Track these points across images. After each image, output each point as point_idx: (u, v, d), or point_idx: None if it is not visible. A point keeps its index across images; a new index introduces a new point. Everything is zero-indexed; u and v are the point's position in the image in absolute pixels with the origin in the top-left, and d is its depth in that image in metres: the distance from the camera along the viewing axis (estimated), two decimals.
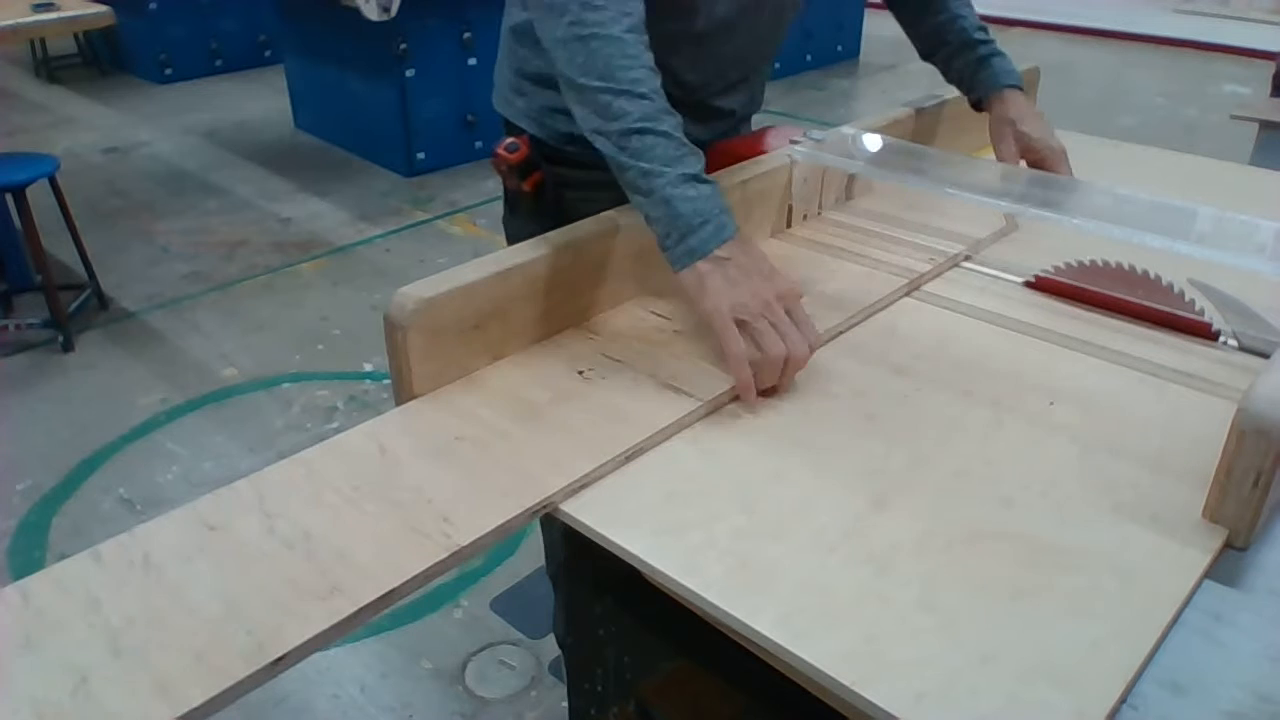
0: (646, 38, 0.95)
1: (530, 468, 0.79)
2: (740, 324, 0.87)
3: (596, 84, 0.91)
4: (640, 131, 0.90)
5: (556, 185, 1.23)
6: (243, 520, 0.73)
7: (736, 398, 0.89)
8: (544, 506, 0.76)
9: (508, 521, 0.73)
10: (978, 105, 1.33)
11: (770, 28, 1.23)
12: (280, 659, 0.61)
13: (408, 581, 0.68)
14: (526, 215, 1.24)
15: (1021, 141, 1.25)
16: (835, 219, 1.26)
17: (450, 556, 0.70)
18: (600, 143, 0.93)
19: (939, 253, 1.16)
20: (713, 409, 0.88)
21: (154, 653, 0.61)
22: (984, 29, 1.31)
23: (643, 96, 0.91)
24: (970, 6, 1.32)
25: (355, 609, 0.65)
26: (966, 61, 1.31)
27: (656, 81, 0.93)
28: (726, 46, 1.19)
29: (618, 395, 0.89)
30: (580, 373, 0.92)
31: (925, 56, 1.36)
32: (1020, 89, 1.28)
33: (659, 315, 1.02)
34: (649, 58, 0.94)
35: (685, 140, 0.92)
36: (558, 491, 0.76)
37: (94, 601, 0.65)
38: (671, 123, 0.92)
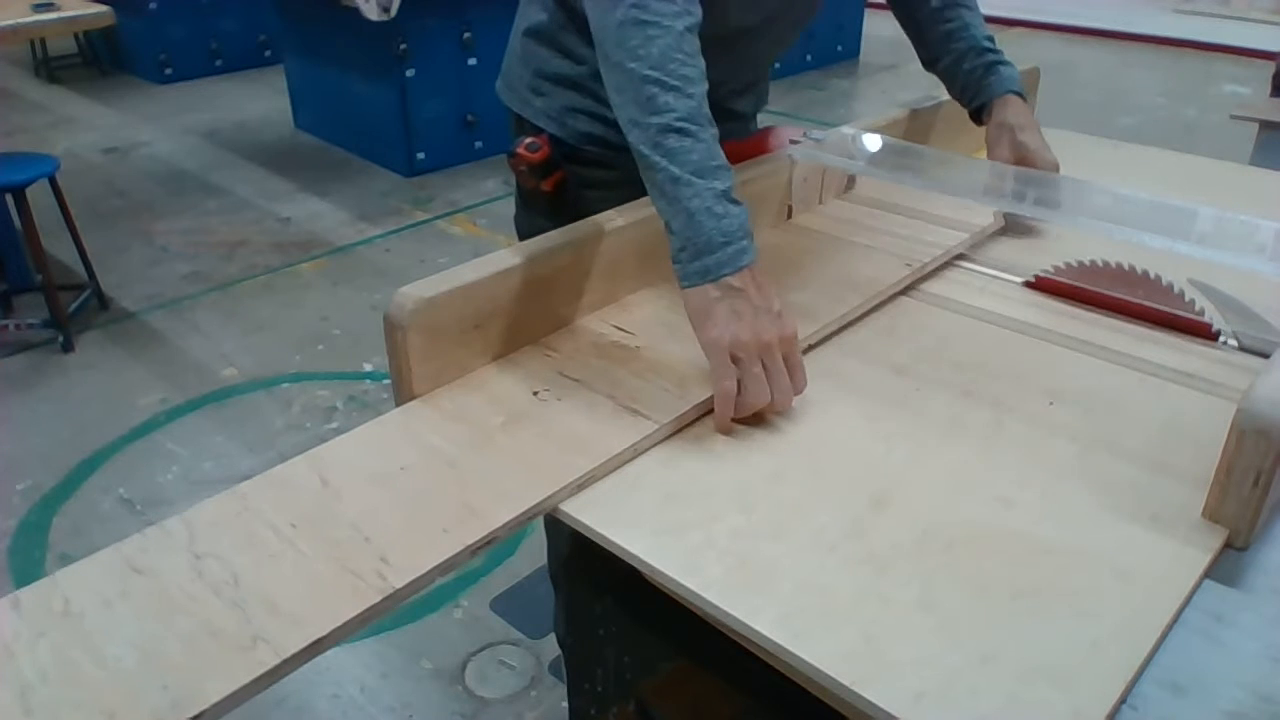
0: (699, 43, 0.92)
1: (475, 500, 0.76)
2: (735, 359, 0.84)
3: (647, 72, 0.88)
4: (679, 131, 0.87)
5: (577, 185, 1.23)
6: (170, 562, 0.69)
7: (703, 416, 0.87)
8: (487, 542, 0.73)
9: (447, 560, 0.70)
10: (977, 114, 1.31)
11: (791, 31, 1.25)
12: (196, 717, 0.58)
13: (338, 629, 0.64)
14: (543, 214, 1.24)
15: (1018, 151, 1.24)
16: (835, 216, 1.26)
17: (384, 600, 0.67)
18: (634, 135, 0.89)
19: (938, 245, 1.15)
20: (672, 431, 0.85)
21: (65, 712, 0.58)
22: (991, 39, 1.30)
23: (689, 96, 0.88)
24: (980, 17, 1.32)
25: (279, 660, 0.61)
26: (973, 67, 1.29)
27: (705, 87, 0.90)
28: (751, 49, 1.21)
29: (573, 418, 0.85)
30: (535, 393, 0.89)
31: (929, 64, 1.35)
32: (1024, 97, 1.28)
33: (621, 329, 0.99)
34: (702, 63, 0.91)
35: (721, 153, 0.89)
36: (502, 526, 0.73)
37: (8, 653, 0.62)
38: (712, 133, 0.89)
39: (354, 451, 0.83)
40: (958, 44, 1.30)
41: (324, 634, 0.64)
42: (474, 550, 0.72)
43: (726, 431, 0.86)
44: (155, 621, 0.65)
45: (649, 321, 1.00)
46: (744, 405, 0.85)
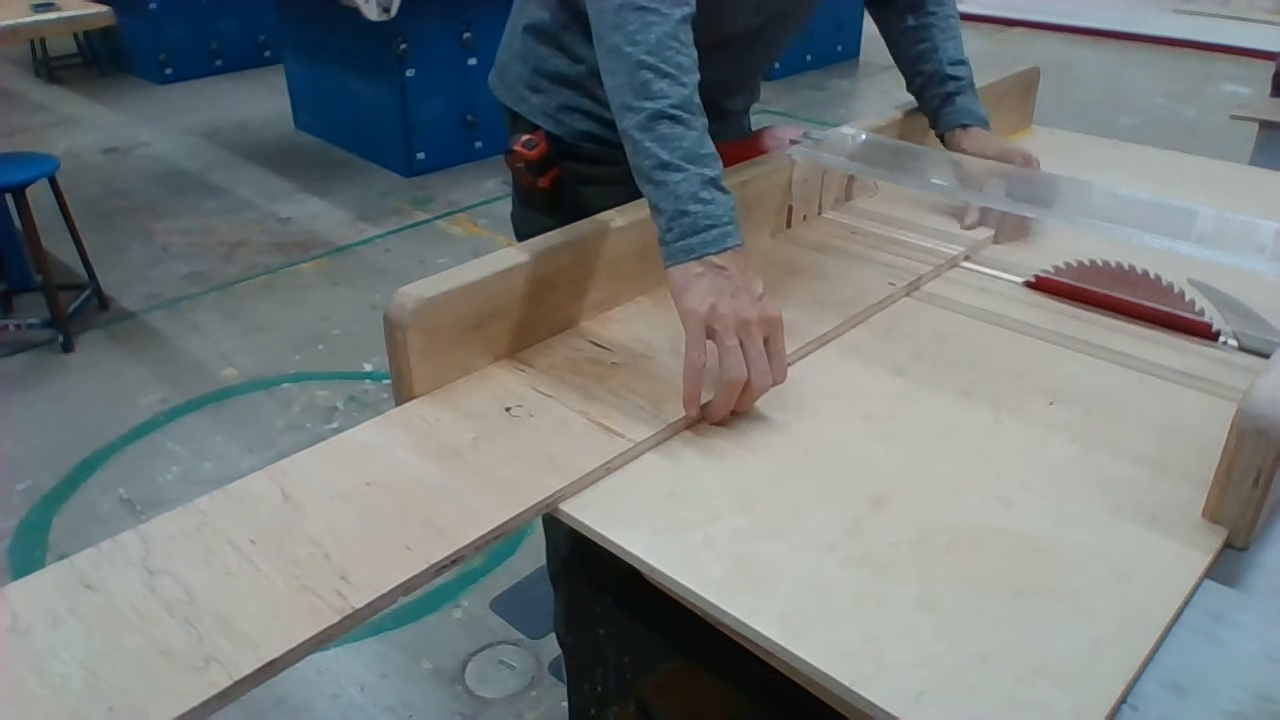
0: (693, 33, 0.93)
1: (441, 518, 0.74)
2: (711, 333, 0.84)
3: (642, 57, 0.88)
4: (672, 118, 0.88)
5: (574, 181, 1.24)
6: (123, 578, 0.68)
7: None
8: (452, 562, 0.71)
9: (410, 579, 0.68)
10: (943, 140, 1.32)
11: (791, 31, 1.25)
12: None
13: (293, 650, 0.63)
14: (540, 211, 1.25)
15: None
16: (835, 219, 1.26)
17: (343, 621, 0.65)
18: (627, 119, 0.89)
19: (939, 253, 1.16)
20: (644, 450, 0.84)
21: None
22: (961, 63, 1.30)
23: (683, 85, 0.89)
24: (956, 40, 1.31)
25: (230, 682, 0.60)
26: (934, 95, 1.30)
27: (697, 77, 0.91)
28: (750, 52, 1.22)
29: (544, 436, 0.84)
30: (508, 409, 0.88)
31: (908, 87, 1.35)
32: (985, 125, 1.28)
33: (598, 345, 0.98)
34: (694, 52, 0.92)
35: (710, 143, 0.90)
36: (467, 545, 0.72)
37: None
38: (702, 122, 0.90)
39: (319, 466, 0.80)
40: (925, 67, 1.30)
41: (278, 655, 0.62)
42: (438, 569, 0.70)
43: (693, 409, 0.85)
44: (103, 640, 0.63)
45: (626, 338, 0.99)
46: (723, 383, 0.83)
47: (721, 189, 0.89)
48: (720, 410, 0.85)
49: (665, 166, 0.87)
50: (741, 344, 0.83)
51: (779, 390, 0.88)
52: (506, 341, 0.95)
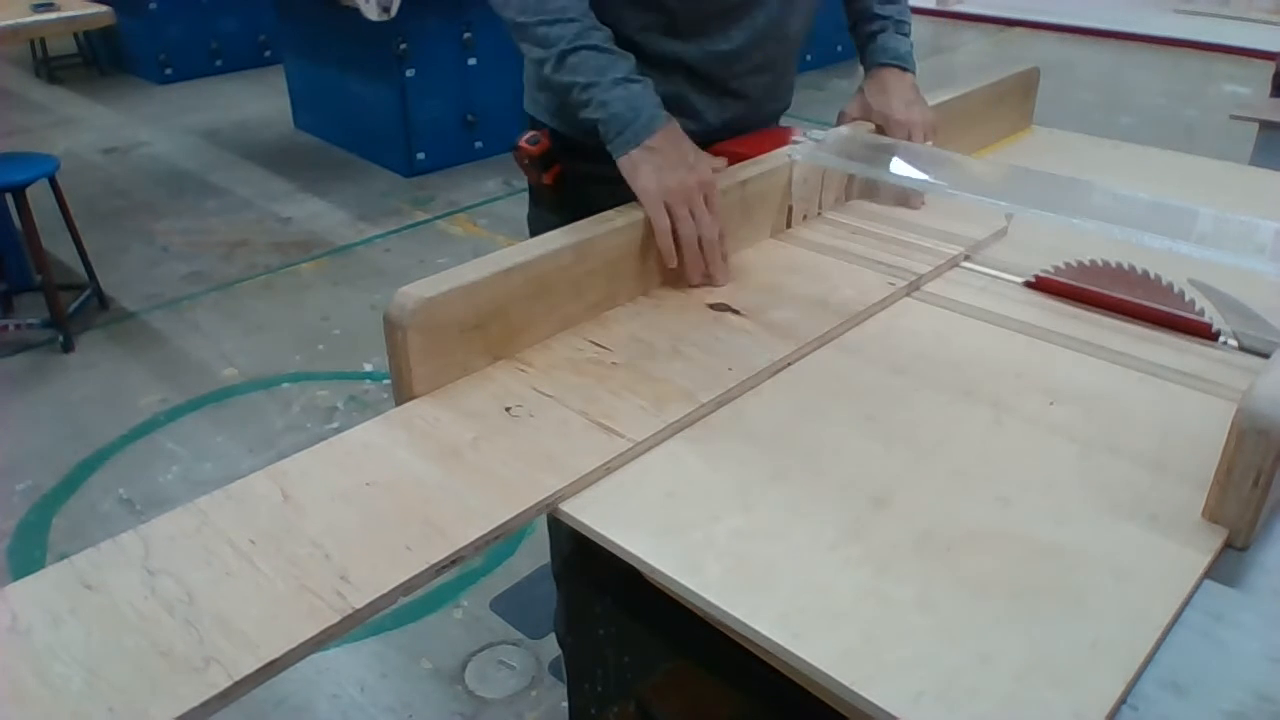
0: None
1: (441, 518, 0.74)
2: (666, 206, 1.02)
3: (532, 19, 1.06)
4: (574, 50, 1.05)
5: (580, 179, 1.24)
6: (123, 578, 0.68)
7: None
8: (451, 562, 0.71)
9: (410, 579, 0.68)
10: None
11: (803, 8, 1.26)
12: None
13: (293, 650, 0.63)
14: (548, 208, 1.26)
15: (866, 113, 1.30)
16: (835, 219, 1.26)
17: (343, 621, 0.65)
18: (547, 69, 1.08)
19: (939, 253, 1.16)
20: (644, 450, 0.83)
21: None
22: (891, 3, 1.32)
23: (571, 20, 1.06)
24: None
25: (230, 683, 0.60)
26: (862, 35, 1.34)
27: (583, 5, 1.08)
28: (758, 20, 1.21)
29: (544, 436, 0.84)
30: (508, 409, 0.88)
31: (849, 31, 1.38)
32: (898, 67, 1.30)
33: (598, 345, 0.98)
34: None
35: (614, 48, 1.07)
36: (467, 545, 0.72)
37: None
38: (599, 37, 1.06)
39: (319, 466, 0.80)
40: (859, 5, 1.34)
41: (278, 655, 0.62)
42: (438, 569, 0.70)
43: (672, 262, 1.04)
44: (103, 640, 0.63)
45: (626, 338, 0.99)
46: (682, 245, 1.03)
47: (634, 80, 1.06)
48: (693, 268, 1.04)
49: (585, 87, 1.05)
50: (690, 211, 1.02)
51: (780, 391, 0.90)
52: (506, 341, 0.95)
